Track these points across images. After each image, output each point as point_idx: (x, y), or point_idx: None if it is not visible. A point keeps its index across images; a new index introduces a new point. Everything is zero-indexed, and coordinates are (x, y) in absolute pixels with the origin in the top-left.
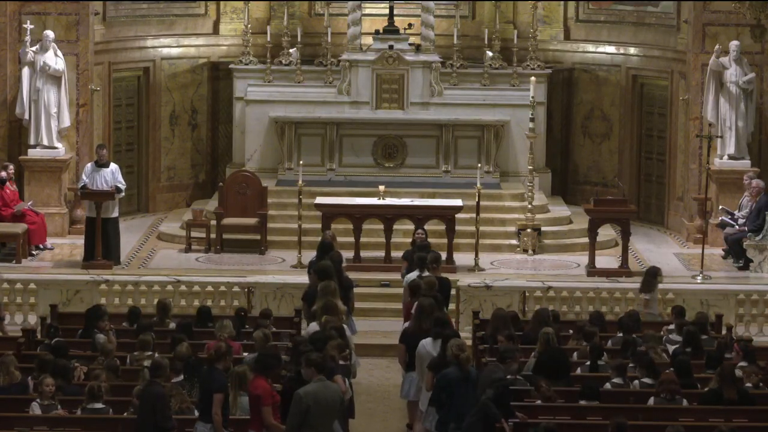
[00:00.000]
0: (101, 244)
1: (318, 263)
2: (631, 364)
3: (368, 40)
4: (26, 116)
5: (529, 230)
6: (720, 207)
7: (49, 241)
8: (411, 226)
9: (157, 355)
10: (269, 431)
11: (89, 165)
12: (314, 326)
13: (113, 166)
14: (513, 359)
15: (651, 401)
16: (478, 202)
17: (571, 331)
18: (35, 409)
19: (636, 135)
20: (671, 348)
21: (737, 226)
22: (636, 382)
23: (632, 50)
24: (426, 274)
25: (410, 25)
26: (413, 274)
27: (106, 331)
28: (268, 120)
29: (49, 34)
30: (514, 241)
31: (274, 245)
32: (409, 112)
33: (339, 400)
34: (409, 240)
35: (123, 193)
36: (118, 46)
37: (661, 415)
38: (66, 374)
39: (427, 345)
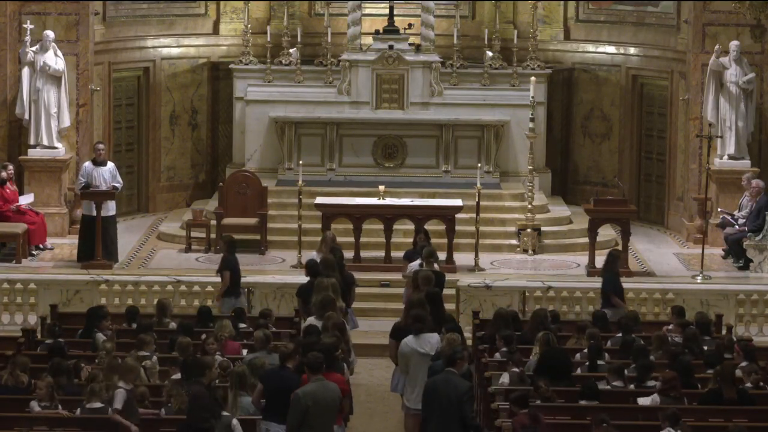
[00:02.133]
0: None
1: (322, 258)
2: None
3: (368, 40)
4: (26, 116)
5: (529, 230)
6: (719, 209)
7: (49, 241)
8: (411, 226)
9: (155, 356)
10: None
11: (87, 164)
12: (312, 320)
13: (110, 164)
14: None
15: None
16: (478, 202)
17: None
18: (35, 408)
19: (636, 135)
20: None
21: (737, 226)
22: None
23: (632, 50)
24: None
25: (410, 25)
26: (415, 264)
27: (106, 332)
28: (268, 120)
29: (49, 34)
30: (514, 241)
31: (274, 245)
32: (409, 112)
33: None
34: (410, 240)
35: (118, 191)
36: (118, 46)
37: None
38: (67, 374)
39: (410, 342)
